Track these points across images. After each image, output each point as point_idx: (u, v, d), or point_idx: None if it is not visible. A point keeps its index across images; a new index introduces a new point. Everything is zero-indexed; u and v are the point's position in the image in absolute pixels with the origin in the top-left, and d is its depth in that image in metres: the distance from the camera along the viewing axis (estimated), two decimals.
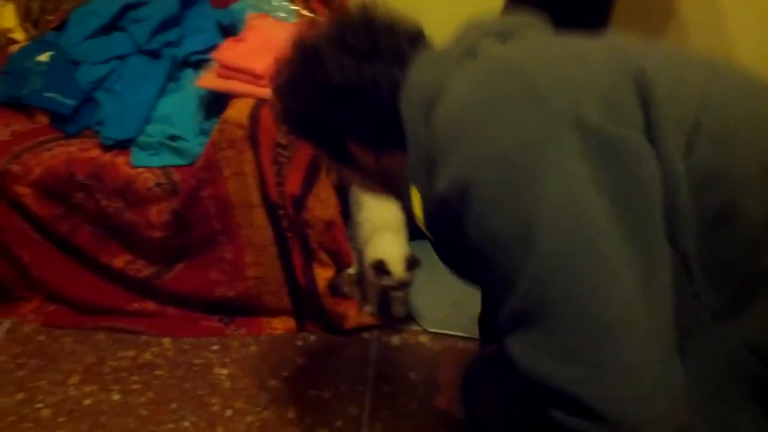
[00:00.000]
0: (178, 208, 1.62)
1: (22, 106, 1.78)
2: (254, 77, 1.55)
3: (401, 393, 1.63)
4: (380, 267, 1.62)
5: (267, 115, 1.54)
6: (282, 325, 1.79)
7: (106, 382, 1.64)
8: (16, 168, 1.64)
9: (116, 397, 1.61)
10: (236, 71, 1.56)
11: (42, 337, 1.74)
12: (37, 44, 1.89)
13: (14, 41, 1.97)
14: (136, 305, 1.78)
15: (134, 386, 1.63)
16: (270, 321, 1.80)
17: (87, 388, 1.62)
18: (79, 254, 1.73)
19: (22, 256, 1.73)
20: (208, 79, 1.60)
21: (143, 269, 1.73)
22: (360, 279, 1.84)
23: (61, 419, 1.55)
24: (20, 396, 1.60)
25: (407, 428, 1.55)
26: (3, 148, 1.68)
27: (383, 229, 1.70)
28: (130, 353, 1.71)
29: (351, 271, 1.85)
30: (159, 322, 1.77)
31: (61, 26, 1.93)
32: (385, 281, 1.65)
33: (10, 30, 1.98)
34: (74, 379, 1.65)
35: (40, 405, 1.58)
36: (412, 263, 1.63)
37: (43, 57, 1.82)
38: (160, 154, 1.64)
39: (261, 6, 1.77)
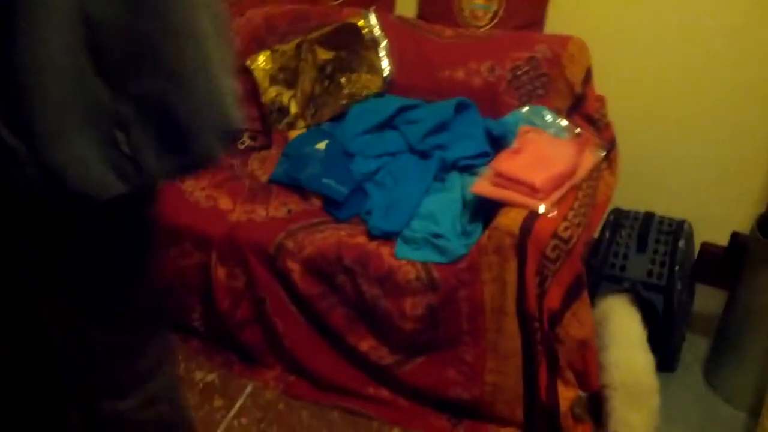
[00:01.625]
0: (433, 303, 1.67)
1: (297, 188, 1.95)
2: (530, 189, 1.60)
3: None
4: None
5: (539, 228, 1.57)
6: None
7: None
8: (290, 245, 1.78)
9: None
10: (513, 182, 1.62)
11: (281, 406, 1.83)
12: (315, 132, 2.08)
13: (292, 128, 2.18)
14: (371, 390, 1.83)
15: None
16: (497, 430, 1.77)
17: None
18: (329, 333, 1.82)
19: (277, 326, 1.84)
20: (483, 186, 1.67)
21: (386, 357, 1.78)
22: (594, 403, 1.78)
23: None
24: None
25: None
26: (280, 226, 1.83)
27: (634, 401, 1.65)
28: None
29: (583, 393, 1.80)
30: (391, 411, 1.81)
31: (336, 118, 2.12)
32: None
33: (289, 117, 2.20)
34: None
35: None
36: None
37: (322, 145, 2.00)
38: (422, 249, 1.71)
39: (533, 120, 1.84)
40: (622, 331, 1.79)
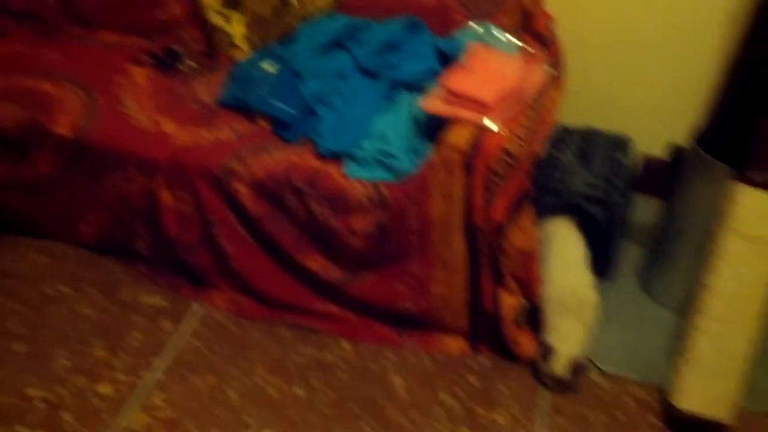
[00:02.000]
0: (383, 221, 1.69)
1: (244, 111, 1.91)
2: (480, 105, 1.62)
3: (575, 427, 1.63)
4: (546, 353, 1.65)
5: (488, 144, 1.60)
6: (455, 344, 1.83)
7: (290, 375, 1.72)
8: (238, 167, 1.76)
9: (300, 391, 1.68)
10: (462, 98, 1.63)
11: (231, 326, 1.84)
12: (262, 54, 2.03)
13: (238, 50, 2.13)
14: (320, 306, 1.86)
15: (316, 383, 1.70)
16: (443, 338, 1.84)
17: (273, 380, 1.70)
18: (278, 252, 1.83)
19: (226, 248, 1.84)
20: (433, 104, 1.68)
21: (335, 274, 1.80)
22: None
23: (248, 406, 1.63)
24: (212, 379, 1.69)
25: None
26: (228, 148, 1.81)
27: (569, 312, 1.72)
28: (312, 351, 1.79)
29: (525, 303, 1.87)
30: (339, 325, 1.85)
31: (286, 39, 2.09)
32: (544, 367, 1.69)
33: (234, 38, 2.14)
34: (261, 369, 1.73)
35: (230, 390, 1.67)
36: (577, 369, 1.66)
37: (269, 67, 1.96)
38: (372, 168, 1.72)
39: (483, 38, 1.85)
40: (564, 252, 1.85)
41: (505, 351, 1.79)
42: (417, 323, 1.84)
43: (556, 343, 1.69)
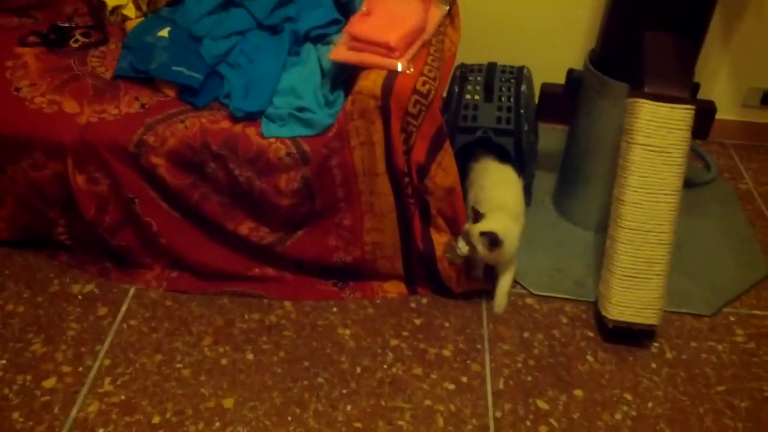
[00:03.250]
0: (307, 176, 1.70)
1: (146, 80, 1.85)
2: (387, 49, 1.62)
3: (517, 351, 1.72)
4: (493, 238, 1.69)
5: (399, 86, 1.61)
6: (394, 288, 1.87)
7: (237, 342, 1.72)
8: (151, 139, 1.72)
9: (250, 356, 1.69)
10: (369, 44, 1.63)
11: (169, 302, 1.82)
12: (153, 20, 1.96)
13: (127, 18, 2.04)
14: (257, 271, 1.86)
15: (265, 346, 1.72)
16: (382, 285, 1.88)
17: (221, 349, 1.71)
18: (205, 222, 1.81)
19: (151, 225, 1.80)
20: (340, 53, 1.67)
21: (266, 236, 1.81)
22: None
23: (201, 378, 1.64)
24: (159, 357, 1.68)
25: (529, 383, 1.64)
26: (136, 121, 1.75)
27: (504, 210, 1.78)
28: (256, 316, 1.79)
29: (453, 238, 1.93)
30: (279, 287, 1.86)
31: (173, 2, 2.01)
32: (491, 253, 1.72)
33: (122, 7, 2.05)
34: (207, 340, 1.73)
35: (179, 365, 1.66)
36: (493, 241, 1.69)
37: (164, 32, 1.89)
38: (288, 125, 1.71)
39: None
40: (500, 177, 1.91)
41: (441, 288, 1.85)
42: (354, 274, 1.87)
43: (496, 227, 1.72)
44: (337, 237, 1.81)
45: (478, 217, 1.71)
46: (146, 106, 1.80)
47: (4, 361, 1.64)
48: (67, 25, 2.04)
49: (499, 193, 1.82)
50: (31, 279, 1.85)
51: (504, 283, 1.78)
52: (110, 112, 1.79)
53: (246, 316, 1.80)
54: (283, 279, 1.87)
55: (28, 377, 1.62)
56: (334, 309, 1.83)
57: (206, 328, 1.76)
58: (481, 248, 1.69)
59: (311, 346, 1.72)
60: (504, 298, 1.79)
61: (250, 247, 1.83)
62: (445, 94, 2.04)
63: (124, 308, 1.80)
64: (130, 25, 2.00)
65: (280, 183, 1.72)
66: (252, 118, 1.73)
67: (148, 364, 1.67)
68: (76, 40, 2.00)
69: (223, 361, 1.68)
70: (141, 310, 1.80)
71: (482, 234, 1.67)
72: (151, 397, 1.59)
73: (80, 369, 1.64)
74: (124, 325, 1.75)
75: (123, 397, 1.59)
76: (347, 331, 1.77)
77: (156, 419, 1.54)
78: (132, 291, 1.85)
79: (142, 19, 2.01)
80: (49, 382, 1.61)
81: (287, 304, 1.83)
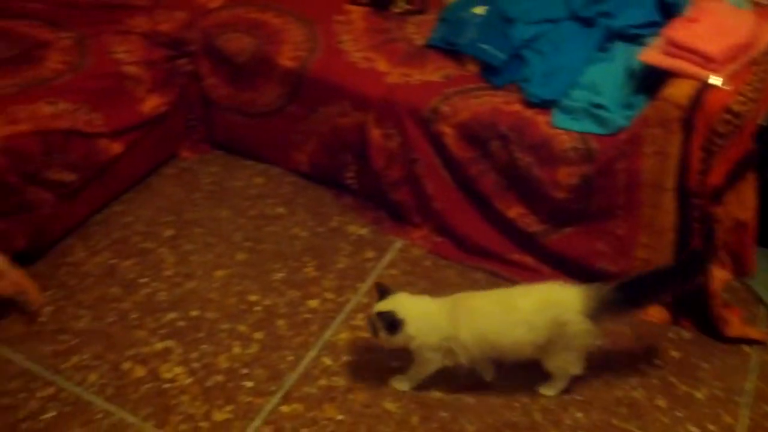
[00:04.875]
0: (588, 174, 1.67)
1: (453, 53, 1.94)
2: (705, 59, 1.52)
3: None
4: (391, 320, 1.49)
5: (710, 101, 1.51)
6: (656, 313, 1.78)
7: None
8: (445, 108, 1.81)
9: None
10: (686, 51, 1.55)
11: (428, 263, 1.93)
12: None
13: None
14: (516, 256, 1.88)
15: None
16: None
17: None
18: (477, 197, 1.87)
19: (427, 188, 1.91)
20: (652, 55, 1.60)
21: (533, 224, 1.82)
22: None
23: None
24: None
25: None
26: (436, 89, 1.85)
27: None
28: None
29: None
30: (534, 277, 1.84)
31: None
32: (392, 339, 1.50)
33: None
34: None
35: None
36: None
37: (479, 10, 1.96)
38: (581, 119, 1.69)
39: None
40: None
41: (709, 327, 1.71)
42: None
43: None
44: (606, 244, 1.76)
45: (382, 293, 1.53)
46: (448, 77, 1.89)
47: (282, 275, 1.87)
48: None
49: None
50: (317, 211, 2.07)
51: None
52: (415, 76, 1.92)
53: None
54: (539, 271, 1.86)
55: (298, 293, 1.83)
56: None
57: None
58: (381, 332, 1.48)
59: None
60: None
61: (514, 231, 1.86)
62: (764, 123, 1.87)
63: (388, 257, 1.94)
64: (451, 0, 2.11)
65: (559, 175, 1.71)
66: (546, 106, 1.74)
67: None
68: (398, 5, 2.15)
69: None
70: (403, 263, 1.93)
71: (378, 314, 1.48)
72: None
73: (340, 299, 1.81)
74: (386, 272, 1.89)
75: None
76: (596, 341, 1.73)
77: (394, 363, 1.64)
78: (399, 244, 1.99)
79: None
80: (313, 303, 1.80)
81: None
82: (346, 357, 1.67)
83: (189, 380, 1.60)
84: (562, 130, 1.69)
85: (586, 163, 1.67)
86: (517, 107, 1.77)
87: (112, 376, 1.60)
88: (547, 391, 1.59)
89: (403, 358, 1.57)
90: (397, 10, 2.14)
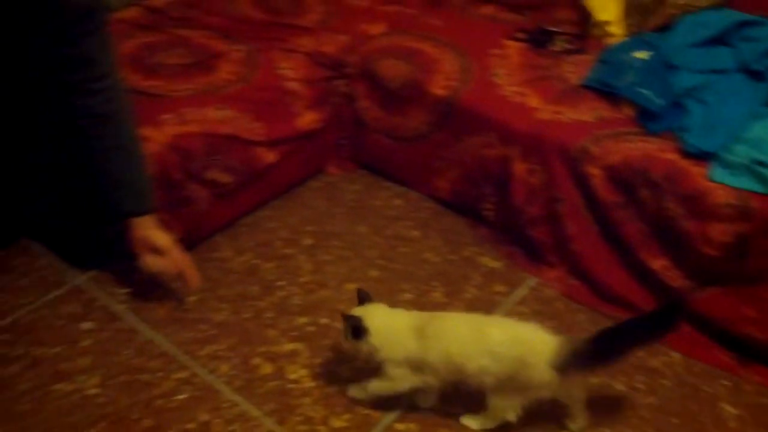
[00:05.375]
0: (745, 233, 1.59)
1: (609, 95, 1.91)
2: None
3: None
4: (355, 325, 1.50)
5: None
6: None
7: (613, 370, 1.69)
8: (595, 150, 1.78)
9: (620, 387, 1.67)
10: None
11: (559, 305, 1.89)
12: (635, 41, 2.01)
13: (610, 34, 2.13)
14: None
15: (638, 384, 1.68)
16: None
17: None
18: (619, 244, 1.82)
19: (567, 228, 1.88)
20: None
21: (677, 279, 1.74)
22: None
23: None
24: None
25: None
26: (587, 130, 1.83)
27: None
28: (639, 352, 1.73)
29: None
30: (672, 335, 1.76)
31: (663, 29, 2.03)
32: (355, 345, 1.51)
33: (608, 23, 2.15)
34: None
35: None
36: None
37: (641, 54, 1.93)
38: (741, 175, 1.61)
39: None
40: None
41: None
42: (759, 354, 1.70)
43: None
44: (757, 309, 1.65)
45: (362, 299, 1.55)
46: (601, 119, 1.87)
47: (410, 296, 1.90)
48: (553, 29, 2.20)
49: None
50: (451, 239, 2.09)
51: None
52: (566, 114, 1.91)
53: None
54: (680, 328, 1.75)
55: None
56: (725, 382, 1.69)
57: None
58: (344, 337, 1.51)
59: (686, 406, 1.63)
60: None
61: (655, 284, 1.78)
62: None
63: (519, 293, 1.92)
64: (610, 41, 2.08)
65: (711, 231, 1.63)
66: (703, 157, 1.67)
67: None
68: (557, 44, 2.15)
69: (592, 379, 1.68)
70: (533, 301, 1.90)
71: (345, 317, 1.50)
72: None
73: None
74: (514, 308, 1.87)
75: None
76: (732, 410, 1.62)
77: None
78: (531, 281, 1.96)
79: (624, 38, 2.07)
80: None
81: (675, 354, 1.75)
82: None
83: (312, 384, 1.66)
84: (719, 184, 1.62)
85: (742, 222, 1.58)
86: (672, 156, 1.71)
87: (242, 369, 1.68)
88: (471, 423, 1.56)
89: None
90: (555, 49, 2.15)
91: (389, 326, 1.50)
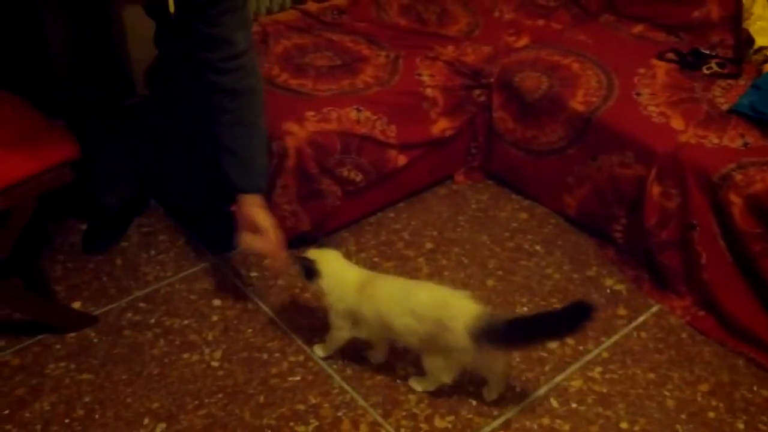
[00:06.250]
0: None
1: (759, 122, 1.81)
2: None
3: None
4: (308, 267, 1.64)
5: None
6: None
7: (729, 406, 1.62)
8: (738, 177, 1.69)
9: (740, 425, 1.58)
10: None
11: (684, 335, 1.81)
12: None
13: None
14: None
15: (762, 426, 1.57)
16: None
17: (713, 402, 1.63)
18: (754, 276, 1.72)
19: (700, 256, 1.79)
20: None
21: None
22: None
23: (682, 416, 1.60)
24: (651, 376, 1.70)
25: None
26: (731, 156, 1.75)
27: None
28: (765, 393, 1.64)
29: None
30: None
31: None
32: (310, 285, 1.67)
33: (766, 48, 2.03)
34: (704, 387, 1.67)
35: (666, 393, 1.66)
36: None
37: None
38: None
39: None
40: None
41: None
42: None
43: None
44: None
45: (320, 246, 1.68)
46: (748, 146, 1.77)
47: (526, 309, 1.88)
48: (707, 52, 2.12)
49: None
50: (575, 257, 2.05)
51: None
52: (711, 139, 1.82)
53: (754, 387, 1.66)
54: None
55: None
56: None
57: (708, 376, 1.70)
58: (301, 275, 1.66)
59: None
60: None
61: None
62: None
63: (641, 318, 1.86)
64: (766, 68, 1.96)
65: None
66: None
67: (639, 376, 1.70)
68: (710, 68, 2.06)
69: (712, 415, 1.60)
70: (656, 328, 1.83)
71: (297, 258, 1.65)
72: (628, 404, 1.63)
73: (580, 347, 1.77)
74: (635, 334, 1.81)
75: (605, 390, 1.67)
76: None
77: (623, 425, 1.58)
78: (655, 308, 1.89)
79: None
80: (551, 344, 1.77)
81: None
82: (575, 405, 1.63)
83: None
84: None
85: None
86: None
87: (353, 360, 1.73)
88: (416, 385, 1.67)
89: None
90: (706, 72, 2.05)
91: (338, 275, 1.64)
